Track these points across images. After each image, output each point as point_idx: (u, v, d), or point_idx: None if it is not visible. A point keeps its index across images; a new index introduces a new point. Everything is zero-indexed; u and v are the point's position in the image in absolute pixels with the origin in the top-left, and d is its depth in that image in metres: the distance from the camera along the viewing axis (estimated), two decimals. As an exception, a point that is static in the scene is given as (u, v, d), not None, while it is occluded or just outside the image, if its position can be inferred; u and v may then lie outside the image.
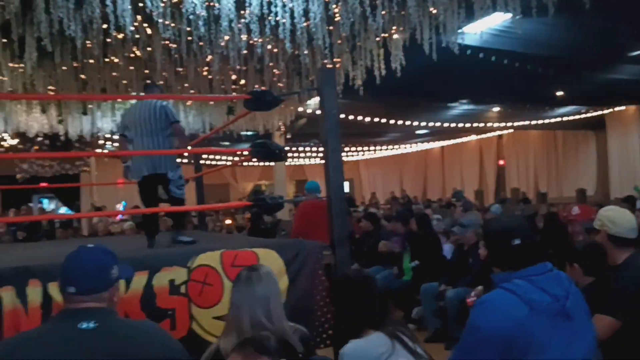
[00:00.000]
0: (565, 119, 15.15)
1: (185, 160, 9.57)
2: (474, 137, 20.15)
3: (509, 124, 16.77)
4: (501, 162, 20.50)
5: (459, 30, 6.95)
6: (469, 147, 21.53)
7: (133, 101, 4.71)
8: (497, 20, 7.32)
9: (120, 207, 17.30)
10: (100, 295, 1.94)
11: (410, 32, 6.95)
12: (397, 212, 7.86)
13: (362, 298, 2.39)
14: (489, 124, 16.42)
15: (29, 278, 3.00)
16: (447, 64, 7.49)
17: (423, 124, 15.41)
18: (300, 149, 19.43)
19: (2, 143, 14.20)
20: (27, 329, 2.83)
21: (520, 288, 2.00)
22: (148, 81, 6.46)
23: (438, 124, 15.50)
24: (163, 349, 1.93)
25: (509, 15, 6.82)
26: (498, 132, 19.16)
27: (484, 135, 19.76)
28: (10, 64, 7.51)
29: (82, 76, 8.36)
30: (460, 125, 15.98)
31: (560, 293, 2.01)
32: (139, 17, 6.20)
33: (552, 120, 15.34)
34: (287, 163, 17.94)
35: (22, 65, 7.27)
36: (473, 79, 9.92)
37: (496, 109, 14.30)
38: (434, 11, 6.41)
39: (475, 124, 16.22)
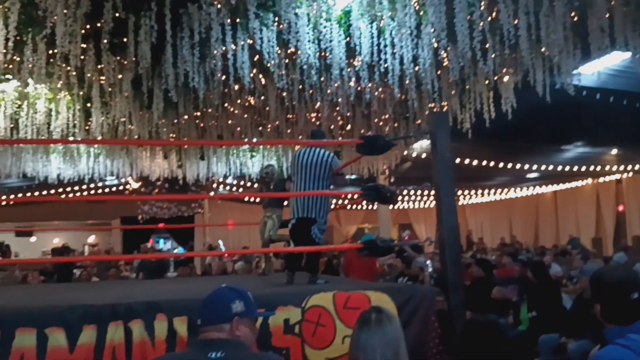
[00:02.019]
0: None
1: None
2: (589, 181, 19.06)
3: (629, 168, 15.73)
4: (620, 208, 19.12)
5: (575, 71, 6.72)
6: (585, 192, 20.32)
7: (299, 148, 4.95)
8: (615, 59, 7.01)
9: (221, 245, 17.99)
10: (221, 327, 2.07)
11: (522, 74, 6.81)
12: (519, 258, 7.60)
13: (494, 344, 2.30)
14: (606, 168, 15.50)
15: (157, 312, 3.20)
16: (561, 106, 7.22)
17: (534, 167, 14.84)
18: (405, 192, 19.29)
19: (127, 187, 15.37)
20: (154, 360, 3.01)
21: (636, 343, 1.88)
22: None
23: (551, 167, 14.86)
24: None
25: (629, 54, 6.51)
26: (617, 176, 17.99)
27: (601, 180, 18.64)
28: (136, 113, 8.19)
29: (201, 124, 8.94)
30: (575, 168, 15.21)
31: None
32: (254, 70, 6.57)
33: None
34: (390, 207, 17.85)
35: (149, 114, 7.92)
36: (589, 121, 9.47)
37: (614, 151, 13.48)
38: (548, 52, 6.24)
39: (591, 168, 15.37)
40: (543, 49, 6.15)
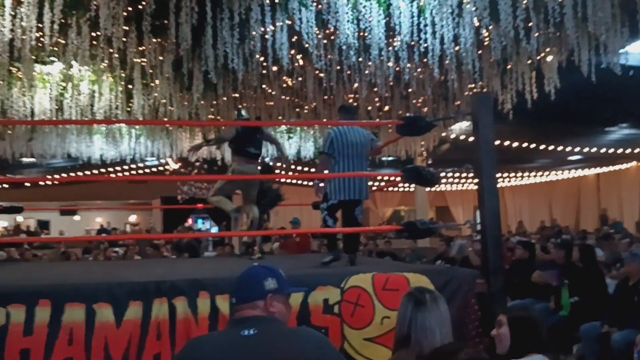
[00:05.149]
0: None
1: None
2: (634, 163, 18.54)
3: (677, 150, 15.23)
4: (667, 192, 18.55)
5: (622, 50, 6.50)
6: (629, 175, 19.75)
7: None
8: (665, 37, 6.73)
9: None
10: (254, 304, 2.10)
11: (566, 54, 6.63)
12: (561, 240, 7.44)
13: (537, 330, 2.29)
14: (653, 150, 15.06)
15: (200, 290, 3.26)
16: (607, 86, 7.02)
17: (577, 149, 14.49)
18: (442, 174, 19.07)
19: (167, 167, 15.63)
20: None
21: None
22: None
23: (594, 149, 14.49)
24: (320, 352, 2.01)
25: (680, 31, 6.25)
26: (663, 158, 17.44)
27: (646, 162, 18.13)
28: (177, 95, 8.30)
29: (240, 106, 9.00)
30: (620, 151, 14.79)
31: None
32: (292, 51, 6.56)
33: None
34: (427, 189, 17.70)
35: (189, 96, 8.02)
36: (635, 101, 9.20)
37: (661, 133, 13.06)
38: (594, 31, 6.04)
39: (636, 150, 14.92)
40: (589, 27, 5.96)
